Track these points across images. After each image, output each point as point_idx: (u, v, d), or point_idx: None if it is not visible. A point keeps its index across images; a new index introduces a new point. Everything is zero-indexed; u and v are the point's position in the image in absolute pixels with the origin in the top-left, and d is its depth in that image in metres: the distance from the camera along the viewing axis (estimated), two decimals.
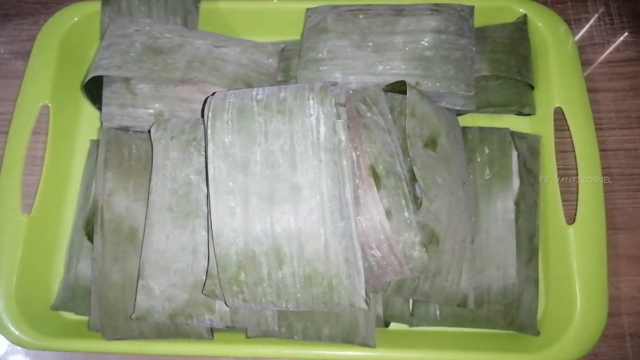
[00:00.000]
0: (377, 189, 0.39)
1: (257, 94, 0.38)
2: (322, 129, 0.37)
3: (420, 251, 0.39)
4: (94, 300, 0.44)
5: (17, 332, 0.44)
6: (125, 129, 0.47)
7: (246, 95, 0.38)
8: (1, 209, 0.47)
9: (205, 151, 0.38)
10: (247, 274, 0.36)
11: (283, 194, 0.36)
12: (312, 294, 0.36)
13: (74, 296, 0.47)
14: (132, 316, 0.41)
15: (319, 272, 0.36)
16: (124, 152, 0.45)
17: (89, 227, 0.46)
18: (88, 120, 0.54)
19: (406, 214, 0.39)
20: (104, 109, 0.47)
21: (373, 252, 0.39)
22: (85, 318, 0.47)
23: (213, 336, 0.44)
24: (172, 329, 0.43)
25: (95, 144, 0.51)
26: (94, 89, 0.49)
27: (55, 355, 0.48)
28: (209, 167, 0.37)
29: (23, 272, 0.45)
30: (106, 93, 0.47)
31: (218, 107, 0.38)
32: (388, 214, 0.39)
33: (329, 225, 0.36)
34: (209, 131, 0.37)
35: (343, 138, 0.37)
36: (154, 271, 0.41)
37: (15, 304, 0.44)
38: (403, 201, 0.40)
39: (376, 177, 0.39)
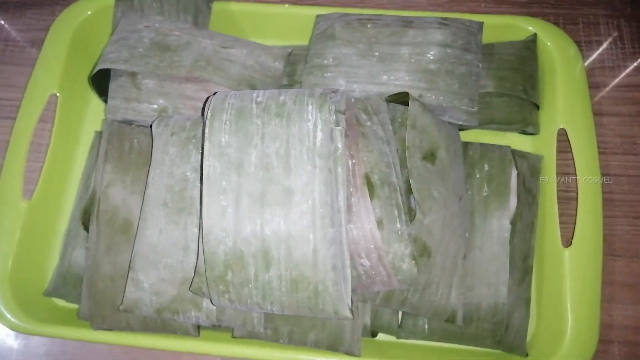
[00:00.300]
0: (370, 198, 0.39)
1: (257, 96, 0.39)
2: (319, 134, 0.37)
3: (410, 263, 0.39)
4: (85, 289, 0.44)
5: (8, 315, 0.44)
6: (129, 123, 0.47)
7: (246, 97, 0.39)
8: (2, 193, 0.47)
9: (202, 149, 0.38)
10: (234, 273, 0.37)
11: (275, 197, 0.36)
12: (297, 299, 0.36)
13: (66, 283, 0.47)
14: (120, 307, 0.41)
15: (305, 277, 0.36)
16: (125, 145, 0.46)
17: (85, 217, 0.46)
18: (95, 112, 0.55)
19: (398, 225, 0.39)
20: (109, 101, 0.48)
21: (362, 261, 0.39)
22: (75, 306, 0.47)
23: (199, 333, 0.44)
24: (159, 323, 0.43)
25: (99, 135, 0.51)
26: (101, 82, 0.49)
27: (45, 340, 0.49)
28: (204, 165, 0.37)
29: (19, 256, 0.46)
30: (112, 86, 0.48)
31: (217, 106, 0.38)
32: (379, 224, 0.39)
33: (319, 231, 0.36)
34: (206, 130, 0.38)
35: (340, 145, 0.37)
36: (144, 264, 0.41)
37: (8, 288, 0.45)
38: (396, 212, 0.39)
39: (370, 186, 0.39)
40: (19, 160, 0.48)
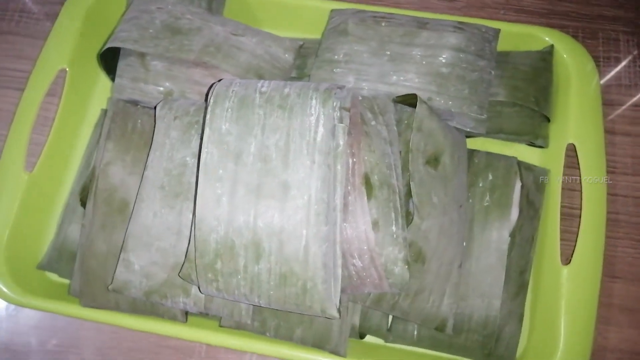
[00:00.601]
0: (367, 198, 0.38)
1: (262, 86, 0.38)
2: (320, 130, 0.36)
3: (402, 268, 0.38)
4: (77, 266, 0.45)
5: (0, 285, 0.44)
6: (134, 103, 0.47)
7: (251, 86, 0.38)
8: (4, 163, 0.47)
9: (201, 136, 0.38)
10: (224, 263, 0.36)
11: (271, 189, 0.36)
12: (285, 293, 0.36)
13: (60, 258, 0.47)
14: (109, 287, 0.41)
15: (294, 273, 0.36)
16: (129, 125, 0.46)
17: (83, 193, 0.46)
18: (103, 90, 0.55)
19: (394, 228, 0.39)
20: (116, 80, 0.48)
21: (354, 261, 0.38)
22: (67, 281, 0.48)
23: (187, 319, 0.44)
24: (148, 306, 0.43)
25: (104, 113, 0.51)
26: (110, 60, 0.49)
27: (35, 312, 0.49)
28: (202, 151, 0.37)
29: (16, 228, 0.46)
30: (121, 65, 0.48)
31: (221, 93, 0.38)
32: (375, 225, 0.38)
33: (312, 228, 0.35)
34: (207, 116, 0.37)
35: (341, 142, 0.36)
36: (136, 246, 0.41)
37: (3, 258, 0.45)
38: (393, 215, 0.39)
39: (369, 186, 0.39)
40: (23, 132, 0.48)
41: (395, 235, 0.39)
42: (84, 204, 0.46)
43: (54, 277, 0.49)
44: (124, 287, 0.41)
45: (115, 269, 0.41)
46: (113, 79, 0.50)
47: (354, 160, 0.39)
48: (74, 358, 0.48)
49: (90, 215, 0.44)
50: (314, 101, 0.37)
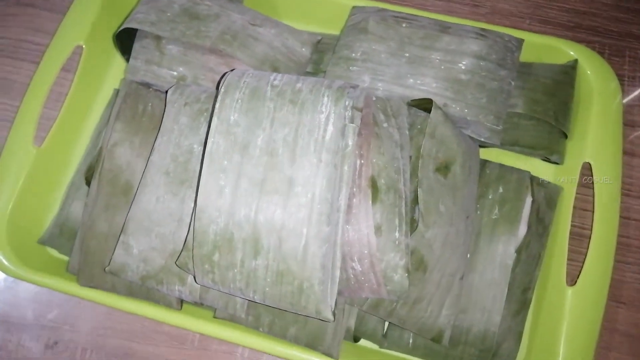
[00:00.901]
0: (372, 202, 0.38)
1: (274, 79, 0.38)
2: (330, 128, 0.35)
3: (402, 275, 0.38)
4: (77, 244, 0.44)
5: (0, 257, 0.45)
6: (147, 85, 0.47)
7: (263, 78, 0.38)
8: (14, 136, 0.47)
9: (209, 125, 0.37)
10: (221, 255, 0.36)
11: (275, 184, 0.35)
12: (280, 291, 0.36)
13: (61, 235, 0.47)
14: (106, 269, 0.41)
15: (292, 271, 0.35)
16: (139, 107, 0.45)
17: (89, 172, 0.46)
18: (118, 70, 0.54)
19: (397, 234, 0.38)
20: (130, 61, 0.48)
21: (353, 264, 0.38)
22: (66, 258, 0.48)
23: (182, 307, 0.44)
24: (144, 291, 0.43)
25: (117, 93, 0.51)
26: (126, 40, 0.49)
27: (33, 286, 0.49)
28: (209, 141, 0.36)
29: (20, 201, 0.46)
30: (136, 47, 0.47)
31: (232, 83, 0.37)
32: (378, 229, 0.38)
33: (314, 227, 0.35)
34: (217, 105, 0.37)
35: (350, 143, 0.35)
36: (136, 230, 0.41)
37: (5, 231, 0.45)
38: (397, 220, 0.38)
39: (375, 189, 0.38)
40: (35, 106, 0.48)
41: (397, 242, 0.38)
42: (88, 182, 0.46)
43: (54, 252, 0.49)
44: (121, 270, 0.41)
45: (114, 251, 0.41)
46: (128, 60, 0.50)
47: (362, 161, 0.38)
48: (68, 335, 0.48)
49: (94, 194, 0.43)
50: (325, 98, 0.36)
